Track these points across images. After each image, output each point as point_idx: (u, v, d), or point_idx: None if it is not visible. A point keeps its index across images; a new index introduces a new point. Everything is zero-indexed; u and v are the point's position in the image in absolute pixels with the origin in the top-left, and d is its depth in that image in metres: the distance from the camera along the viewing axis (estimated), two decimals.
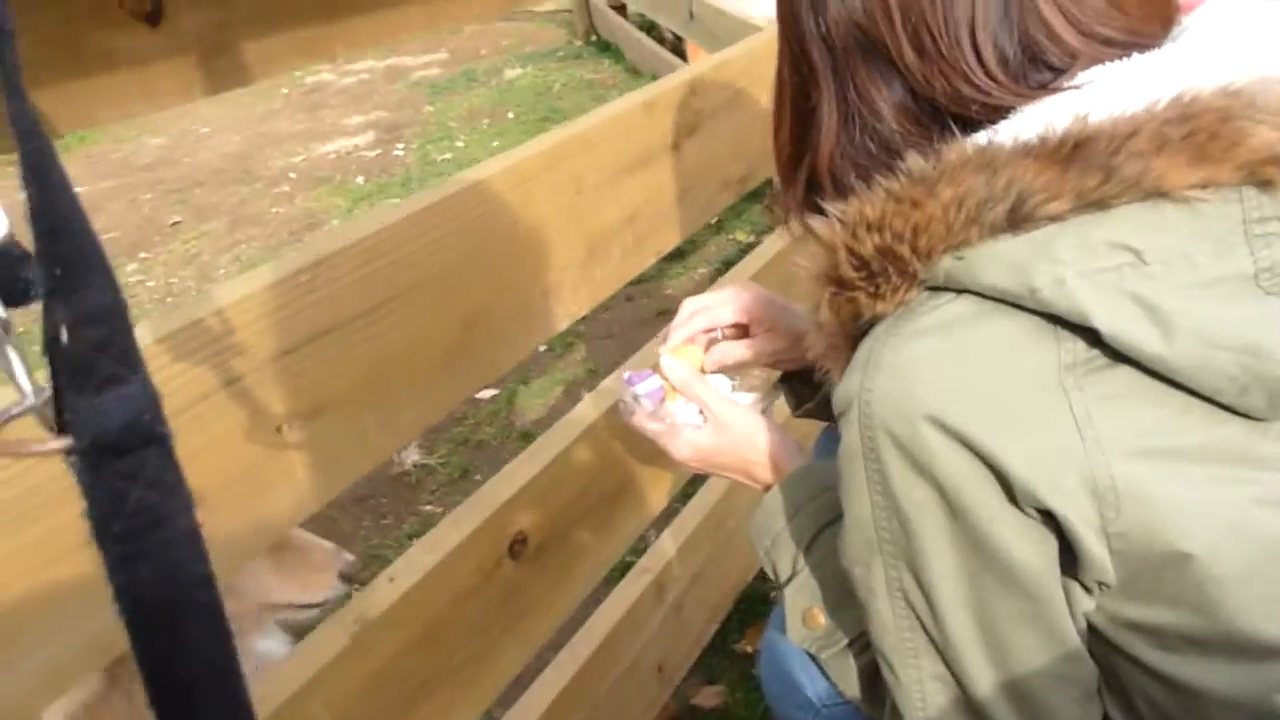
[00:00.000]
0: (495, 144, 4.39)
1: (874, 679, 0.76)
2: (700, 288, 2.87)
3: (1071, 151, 0.55)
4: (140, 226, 4.12)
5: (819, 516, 0.80)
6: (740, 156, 1.46)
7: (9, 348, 0.36)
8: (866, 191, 0.61)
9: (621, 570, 1.38)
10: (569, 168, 1.09)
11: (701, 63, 1.37)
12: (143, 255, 3.85)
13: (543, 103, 4.88)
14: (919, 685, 0.64)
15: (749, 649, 1.58)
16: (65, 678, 0.67)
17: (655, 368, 0.96)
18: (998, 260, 0.56)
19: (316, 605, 1.29)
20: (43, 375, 0.37)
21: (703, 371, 0.97)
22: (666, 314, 2.73)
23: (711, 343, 1.01)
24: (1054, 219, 0.56)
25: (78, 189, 0.35)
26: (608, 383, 1.27)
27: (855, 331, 0.64)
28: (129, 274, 3.69)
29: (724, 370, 1.00)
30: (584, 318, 1.41)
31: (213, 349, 0.74)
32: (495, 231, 1.00)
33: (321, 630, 0.89)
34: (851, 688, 0.78)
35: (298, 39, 0.81)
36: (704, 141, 1.35)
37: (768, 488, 0.87)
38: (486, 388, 2.40)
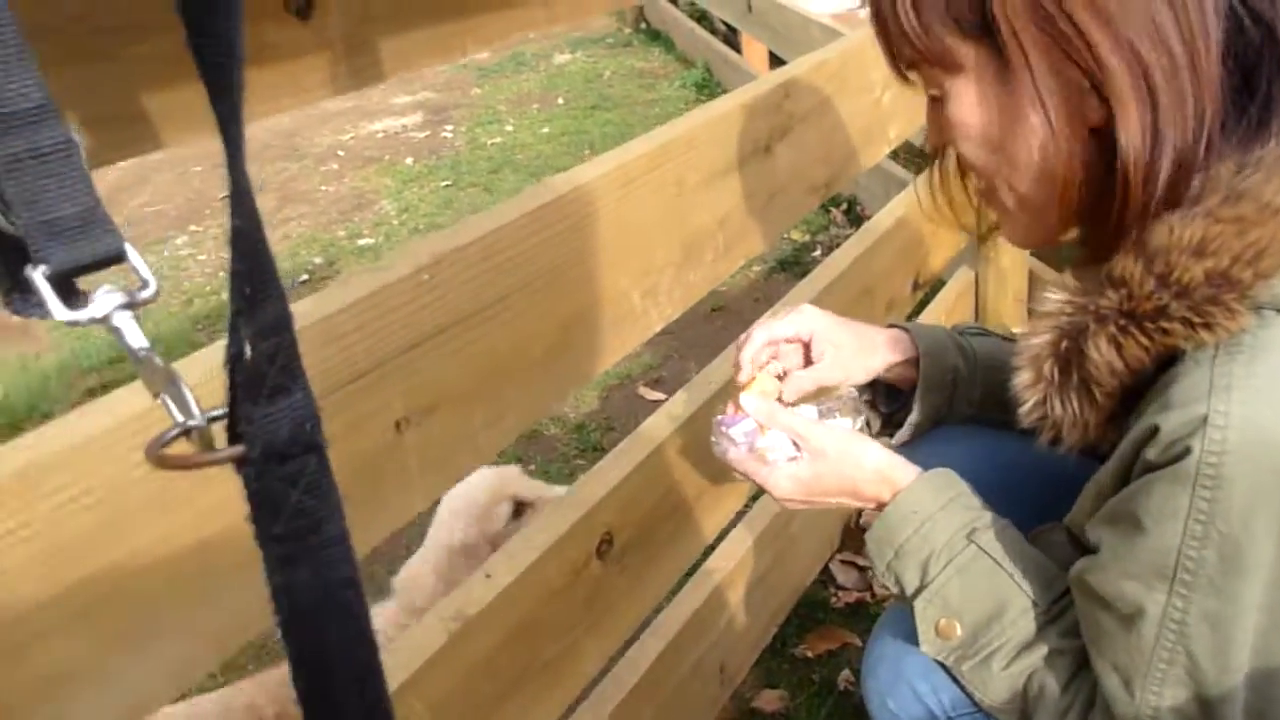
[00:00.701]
0: (545, 130, 4.38)
1: (1021, 687, 0.75)
2: (754, 286, 2.86)
3: None
4: (190, 200, 4.15)
5: (952, 523, 0.79)
6: (827, 161, 1.45)
7: (180, 380, 0.39)
8: (1168, 212, 0.59)
9: (687, 570, 1.38)
10: (672, 168, 1.08)
11: (796, 64, 1.36)
12: (192, 228, 3.87)
13: (592, 90, 4.86)
14: (1154, 708, 0.64)
15: (809, 654, 1.57)
16: (187, 675, 0.67)
17: (738, 407, 0.96)
18: None
19: None
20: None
21: (781, 401, 0.97)
22: (721, 310, 2.73)
23: (774, 357, 1.01)
24: None
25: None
26: (689, 389, 1.26)
27: (1148, 366, 0.62)
28: (179, 247, 3.72)
29: (805, 398, 1.00)
30: None
31: (340, 344, 0.74)
32: (600, 232, 0.99)
33: (420, 627, 0.89)
34: (991, 695, 0.77)
35: (432, 36, 0.81)
36: (794, 145, 1.33)
37: (878, 506, 0.86)
38: None
